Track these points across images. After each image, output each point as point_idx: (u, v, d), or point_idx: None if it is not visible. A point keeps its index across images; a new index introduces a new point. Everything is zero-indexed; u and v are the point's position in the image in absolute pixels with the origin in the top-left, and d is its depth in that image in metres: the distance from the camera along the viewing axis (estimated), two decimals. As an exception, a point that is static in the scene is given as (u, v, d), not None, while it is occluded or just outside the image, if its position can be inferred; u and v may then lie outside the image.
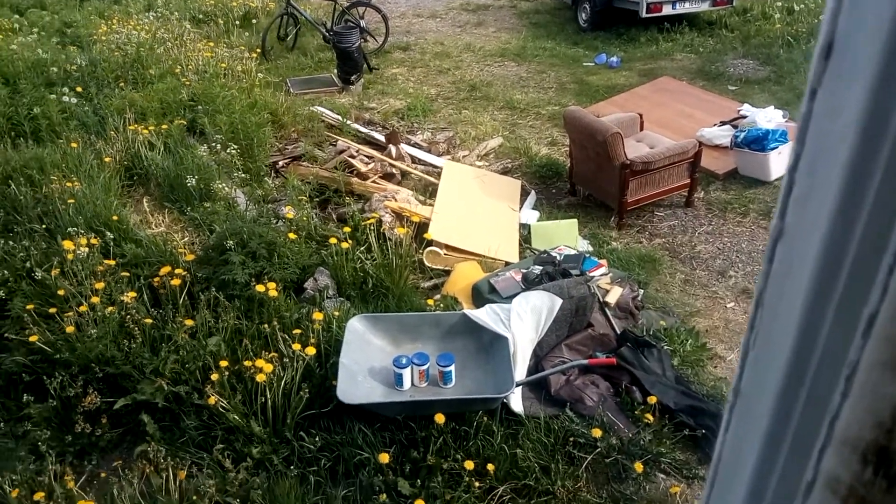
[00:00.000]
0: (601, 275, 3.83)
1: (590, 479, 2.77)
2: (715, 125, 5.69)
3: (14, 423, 2.85)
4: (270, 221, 4.17)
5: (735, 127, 5.53)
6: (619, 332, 3.52)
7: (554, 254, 4.04)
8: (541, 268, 3.86)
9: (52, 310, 3.23)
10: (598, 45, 8.32)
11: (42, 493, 2.40)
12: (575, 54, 8.18)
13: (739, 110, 5.88)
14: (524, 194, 5.08)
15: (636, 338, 3.44)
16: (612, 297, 3.68)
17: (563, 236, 4.39)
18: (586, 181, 5.11)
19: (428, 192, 4.93)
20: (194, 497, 2.44)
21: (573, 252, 4.09)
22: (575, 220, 4.61)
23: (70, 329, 3.10)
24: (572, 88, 7.22)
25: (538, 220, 4.74)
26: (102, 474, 2.60)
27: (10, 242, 3.73)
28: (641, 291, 3.93)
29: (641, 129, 5.33)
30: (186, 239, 4.13)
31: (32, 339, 3.07)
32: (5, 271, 3.53)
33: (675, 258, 4.44)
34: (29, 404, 2.86)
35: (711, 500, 0.68)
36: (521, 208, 4.83)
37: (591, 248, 4.41)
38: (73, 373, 2.97)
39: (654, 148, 4.93)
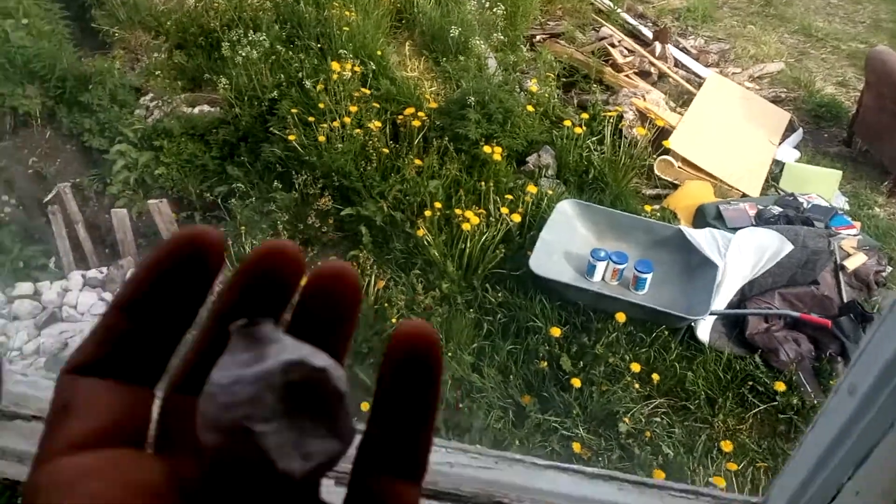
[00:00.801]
0: (848, 235, 3.50)
1: (754, 426, 2.72)
2: None
3: (263, 201, 3.45)
4: (513, 90, 4.32)
5: None
6: (846, 300, 3.25)
7: (801, 199, 3.75)
8: (781, 209, 3.62)
9: (311, 118, 3.74)
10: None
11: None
12: (910, -11, 6.98)
13: None
14: (789, 130, 4.67)
15: (863, 312, 3.16)
16: (852, 263, 3.38)
17: (819, 185, 4.02)
18: (870, 135, 4.54)
19: (681, 100, 4.72)
20: (385, 304, 2.83)
21: (825, 204, 3.76)
22: (839, 173, 4.17)
23: (321, 139, 3.59)
24: (890, 28, 6.24)
25: (796, 161, 4.36)
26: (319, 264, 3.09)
27: (290, 53, 4.31)
28: (889, 269, 3.54)
29: (965, 91, 4.54)
30: (434, 88, 4.45)
31: (291, 137, 3.62)
32: (281, 76, 4.12)
33: (948, 246, 3.89)
34: (276, 191, 3.43)
35: (857, 365, 0.73)
36: (780, 143, 4.46)
37: (846, 207, 4.01)
38: (316, 176, 3.47)
39: (972, 115, 4.21)
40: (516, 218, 3.35)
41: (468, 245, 3.20)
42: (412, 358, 0.23)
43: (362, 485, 0.23)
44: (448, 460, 0.71)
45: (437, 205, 3.36)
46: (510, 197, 3.48)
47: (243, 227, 3.20)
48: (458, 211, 3.34)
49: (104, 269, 3.41)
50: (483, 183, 3.53)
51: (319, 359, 0.21)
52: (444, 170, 3.65)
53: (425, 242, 3.18)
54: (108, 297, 3.27)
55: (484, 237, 3.25)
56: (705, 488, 0.70)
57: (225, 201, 3.56)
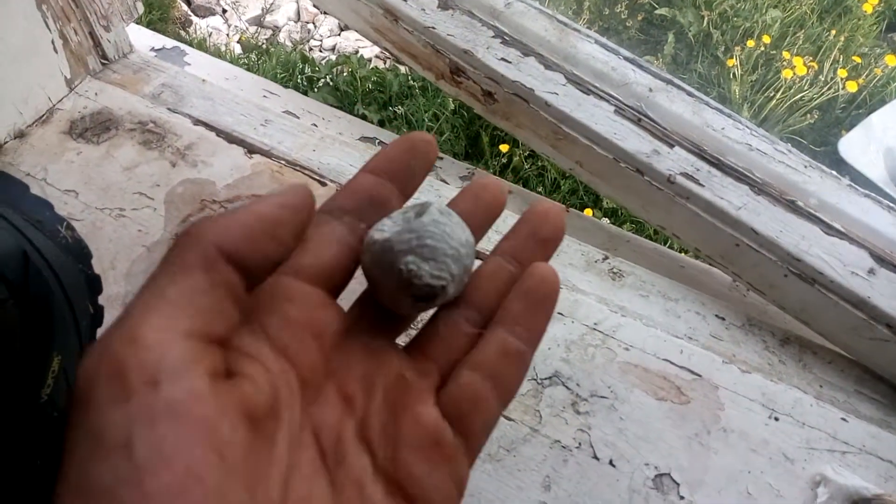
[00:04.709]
0: None
1: None
2: None
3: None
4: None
5: None
6: None
7: None
8: None
9: None
10: None
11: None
12: None
13: None
14: None
15: None
16: None
17: None
18: None
19: None
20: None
21: None
22: None
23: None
24: None
25: None
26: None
27: None
28: None
29: None
30: None
31: None
32: None
33: None
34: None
35: None
36: None
37: None
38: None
39: None
40: (851, 87, 2.94)
41: (777, 96, 2.92)
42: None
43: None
44: (749, 142, 0.63)
45: (766, 38, 3.04)
46: (858, 60, 3.04)
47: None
48: (786, 54, 3.01)
49: None
50: (833, 33, 3.09)
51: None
52: (794, 3, 3.23)
53: (731, 75, 2.95)
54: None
55: (801, 94, 2.93)
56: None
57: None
